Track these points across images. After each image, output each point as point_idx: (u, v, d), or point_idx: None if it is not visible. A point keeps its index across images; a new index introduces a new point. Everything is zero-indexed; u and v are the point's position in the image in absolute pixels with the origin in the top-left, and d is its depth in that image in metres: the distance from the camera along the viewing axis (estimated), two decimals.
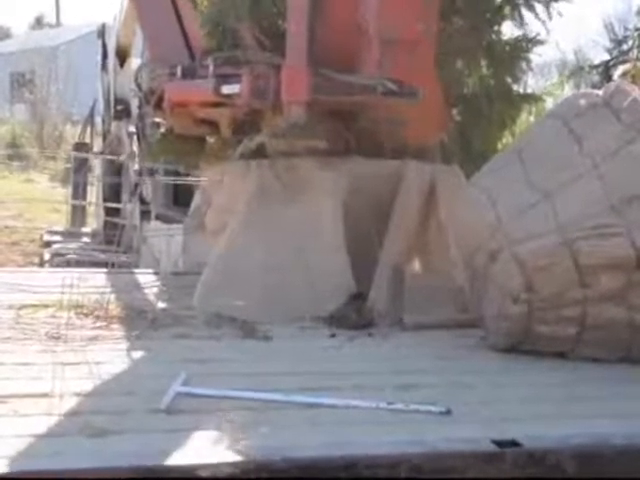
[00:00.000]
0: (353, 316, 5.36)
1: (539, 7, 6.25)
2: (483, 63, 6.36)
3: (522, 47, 6.32)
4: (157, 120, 6.78)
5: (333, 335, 5.13)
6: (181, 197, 10.78)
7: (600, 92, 4.79)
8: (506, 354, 4.71)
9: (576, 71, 7.89)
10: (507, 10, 6.23)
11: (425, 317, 5.34)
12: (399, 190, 5.72)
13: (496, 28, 6.31)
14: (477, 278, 4.87)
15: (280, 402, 3.76)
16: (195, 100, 5.96)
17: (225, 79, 5.63)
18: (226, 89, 5.61)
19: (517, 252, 4.58)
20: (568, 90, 8.49)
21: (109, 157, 13.03)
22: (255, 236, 5.72)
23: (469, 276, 5.00)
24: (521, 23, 6.27)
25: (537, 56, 6.55)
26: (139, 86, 6.66)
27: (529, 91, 6.94)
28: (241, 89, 5.55)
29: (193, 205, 6.93)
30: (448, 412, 3.67)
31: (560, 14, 6.25)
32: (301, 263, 5.59)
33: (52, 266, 11.57)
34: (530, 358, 4.62)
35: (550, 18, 6.23)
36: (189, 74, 5.92)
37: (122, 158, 12.16)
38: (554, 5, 6.29)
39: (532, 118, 6.82)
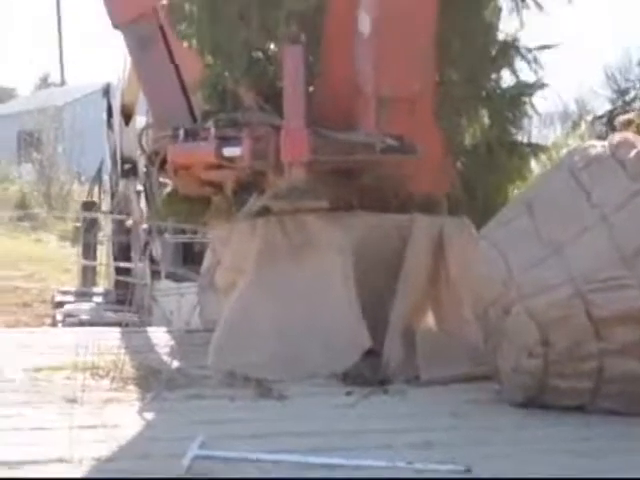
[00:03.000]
0: (367, 373, 5.34)
1: (532, 56, 6.27)
2: (484, 113, 6.38)
3: (522, 93, 6.34)
4: (163, 180, 6.81)
5: (348, 393, 5.10)
6: (190, 256, 10.79)
7: (605, 143, 4.80)
8: (522, 409, 4.67)
9: (580, 121, 7.93)
10: (502, 59, 6.26)
11: (440, 372, 5.31)
12: (408, 244, 5.71)
13: (494, 76, 6.34)
14: (491, 332, 4.85)
15: (298, 463, 3.74)
16: (197, 162, 5.99)
17: (226, 141, 5.67)
18: (227, 151, 5.65)
19: (530, 306, 4.57)
20: (573, 140, 8.52)
21: (118, 216, 13.06)
22: (266, 294, 5.71)
23: (483, 330, 4.98)
24: (513, 72, 6.28)
25: (539, 106, 6.56)
26: (143, 148, 6.71)
27: (533, 141, 6.94)
28: (242, 151, 5.58)
29: (204, 264, 6.94)
30: (468, 470, 3.63)
31: (548, 67, 6.27)
32: (313, 321, 5.58)
33: (65, 327, 11.56)
34: (547, 412, 4.58)
35: (541, 65, 6.24)
36: (191, 136, 5.96)
37: (131, 218, 12.20)
38: (549, 53, 6.31)
39: (538, 168, 6.82)
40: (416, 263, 5.70)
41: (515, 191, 6.33)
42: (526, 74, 6.29)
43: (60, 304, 13.23)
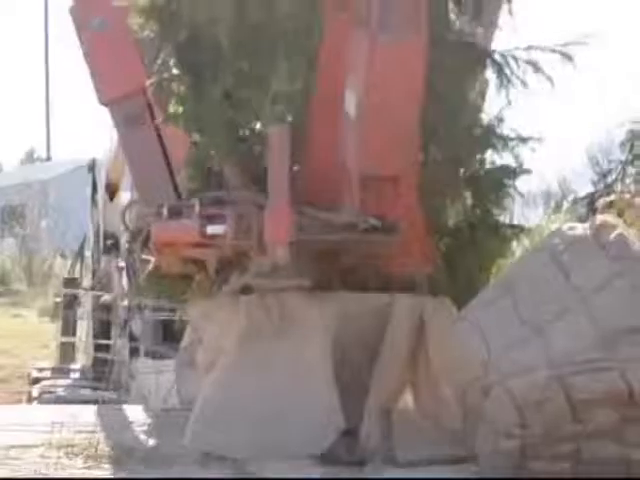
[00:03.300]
0: (344, 454, 5.30)
1: (516, 137, 6.34)
2: (467, 194, 6.43)
3: (505, 176, 6.39)
4: (145, 257, 6.80)
5: (324, 474, 5.05)
6: (170, 334, 10.74)
7: (587, 225, 4.84)
8: None
9: (562, 202, 8.01)
10: (486, 141, 6.32)
11: (417, 454, 5.28)
12: (388, 325, 5.71)
13: (478, 158, 6.40)
14: (470, 413, 4.83)
15: None
16: (181, 240, 5.99)
17: (210, 219, 5.68)
18: (211, 229, 5.66)
19: (510, 387, 4.56)
20: (555, 222, 8.58)
21: (99, 293, 13.01)
22: (246, 374, 5.69)
23: (462, 411, 4.95)
24: (497, 153, 6.35)
25: (522, 186, 6.62)
26: (126, 224, 6.71)
27: (515, 222, 6.99)
28: (226, 230, 5.60)
29: (184, 342, 6.90)
30: None
31: (533, 149, 6.34)
32: (291, 401, 5.55)
33: (40, 404, 11.43)
34: None
35: (524, 147, 6.31)
36: (175, 214, 5.97)
37: (111, 295, 12.15)
38: (531, 133, 6.38)
39: (519, 249, 6.86)
40: (395, 344, 5.70)
41: (497, 272, 6.35)
42: (510, 155, 6.36)
43: (37, 380, 13.10)
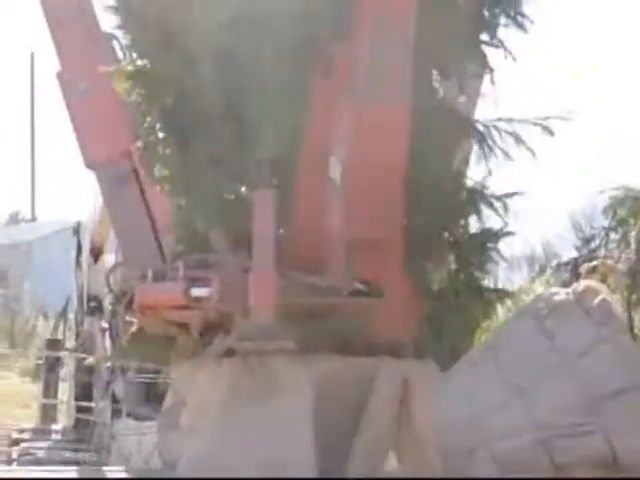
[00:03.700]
0: None
1: (499, 203, 6.40)
2: (451, 258, 6.47)
3: (489, 240, 6.44)
4: (128, 319, 6.79)
5: None
6: (153, 395, 10.68)
7: (570, 290, 4.88)
8: None
9: (546, 267, 8.06)
10: (470, 206, 6.38)
11: None
12: (372, 388, 5.71)
13: (462, 222, 6.45)
14: (453, 476, 4.81)
15: None
16: (165, 302, 6.00)
17: (195, 282, 5.69)
18: (195, 292, 5.68)
19: (493, 450, 4.56)
20: (539, 286, 8.63)
21: (82, 355, 12.96)
22: (229, 436, 5.67)
23: (446, 474, 4.94)
24: (480, 218, 6.40)
25: (506, 250, 6.66)
26: (110, 286, 6.70)
27: (500, 285, 7.02)
28: (210, 292, 5.61)
29: (166, 403, 6.87)
30: None
31: (516, 215, 6.40)
32: (273, 463, 5.53)
33: (20, 465, 11.32)
34: None
35: (507, 212, 6.37)
36: (160, 277, 5.98)
37: (94, 357, 12.11)
38: (516, 198, 6.44)
39: (503, 313, 6.88)
40: (379, 406, 5.69)
41: (481, 335, 6.37)
42: (493, 219, 6.41)
43: (16, 442, 12.99)
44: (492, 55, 6.20)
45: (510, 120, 6.23)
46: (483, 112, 6.45)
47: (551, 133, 6.19)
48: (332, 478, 5.30)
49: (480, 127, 6.28)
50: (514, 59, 6.15)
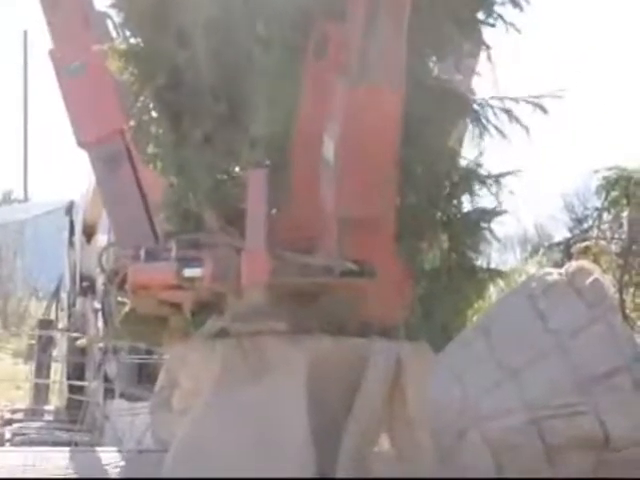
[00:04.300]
0: None
1: (492, 182, 6.39)
2: (444, 238, 6.47)
3: (482, 219, 6.43)
4: (121, 299, 6.79)
5: None
6: (145, 375, 10.70)
7: (562, 270, 4.88)
8: None
9: (538, 248, 8.07)
10: (463, 185, 6.38)
11: None
12: (365, 369, 5.70)
13: (455, 202, 6.44)
14: (445, 458, 4.82)
15: None
16: (157, 282, 5.99)
17: (187, 262, 5.69)
18: (188, 272, 5.67)
19: (485, 431, 4.57)
20: (531, 266, 8.63)
21: (74, 335, 12.96)
22: (221, 417, 5.67)
23: (438, 456, 4.95)
24: (474, 198, 6.40)
25: (499, 230, 6.66)
26: (103, 266, 6.70)
27: (493, 265, 7.02)
28: (203, 272, 5.60)
29: (159, 384, 6.88)
30: None
31: (511, 192, 6.39)
32: (266, 445, 5.53)
33: (13, 445, 11.34)
34: None
35: (501, 192, 6.36)
36: (152, 256, 5.97)
37: (86, 338, 12.11)
38: (509, 178, 6.43)
39: (496, 293, 6.89)
40: (372, 388, 5.68)
41: (473, 315, 6.38)
42: (486, 198, 6.40)
43: (9, 422, 13.02)
44: (488, 34, 6.19)
45: (504, 98, 6.22)
46: (479, 91, 6.46)
47: (544, 111, 6.18)
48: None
49: (475, 106, 6.27)
50: (517, 31, 6.11)
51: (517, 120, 6.19)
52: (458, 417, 4.68)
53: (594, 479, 3.46)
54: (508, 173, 6.38)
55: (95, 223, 11.66)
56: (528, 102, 6.18)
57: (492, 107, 6.23)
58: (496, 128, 6.21)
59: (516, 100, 6.20)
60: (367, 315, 5.83)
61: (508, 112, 6.19)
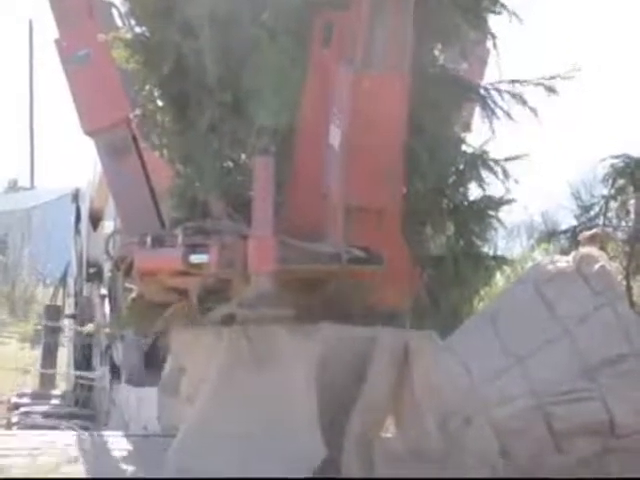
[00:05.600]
0: None
1: (499, 169, 6.38)
2: (450, 225, 6.47)
3: (489, 207, 6.43)
4: (128, 285, 6.81)
5: None
6: (152, 360, 10.72)
7: (569, 258, 4.89)
8: None
9: (545, 236, 8.06)
10: (470, 172, 6.37)
11: None
12: (372, 356, 5.71)
13: (461, 189, 6.44)
14: (452, 443, 4.84)
15: None
16: (164, 269, 6.00)
17: (194, 249, 5.69)
18: (194, 259, 5.67)
19: (492, 416, 4.59)
20: (538, 254, 8.63)
21: (81, 321, 12.99)
22: (228, 404, 5.68)
23: (444, 441, 4.97)
24: (481, 185, 6.39)
25: (505, 218, 6.65)
26: (109, 252, 6.72)
27: (499, 253, 7.01)
28: (209, 259, 5.61)
29: (165, 369, 6.90)
30: None
31: (517, 181, 6.39)
32: (272, 431, 5.55)
33: (20, 429, 11.40)
34: None
35: (508, 178, 6.35)
36: (158, 243, 5.99)
37: (93, 324, 12.14)
38: (516, 165, 6.43)
39: (502, 281, 6.90)
40: (379, 374, 5.70)
41: (480, 303, 6.39)
42: (493, 186, 6.40)
43: (17, 406, 13.07)
44: (494, 20, 6.18)
45: (513, 82, 6.20)
46: (486, 77, 6.44)
47: (554, 92, 6.15)
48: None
49: (482, 91, 6.25)
50: (519, 20, 6.10)
51: (525, 103, 6.16)
52: (464, 403, 4.71)
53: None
54: (515, 157, 6.36)
55: (101, 210, 11.66)
56: (538, 84, 6.15)
57: (500, 91, 6.21)
58: (503, 111, 6.19)
59: (526, 83, 6.17)
60: (374, 302, 5.84)
61: (515, 96, 6.17)
